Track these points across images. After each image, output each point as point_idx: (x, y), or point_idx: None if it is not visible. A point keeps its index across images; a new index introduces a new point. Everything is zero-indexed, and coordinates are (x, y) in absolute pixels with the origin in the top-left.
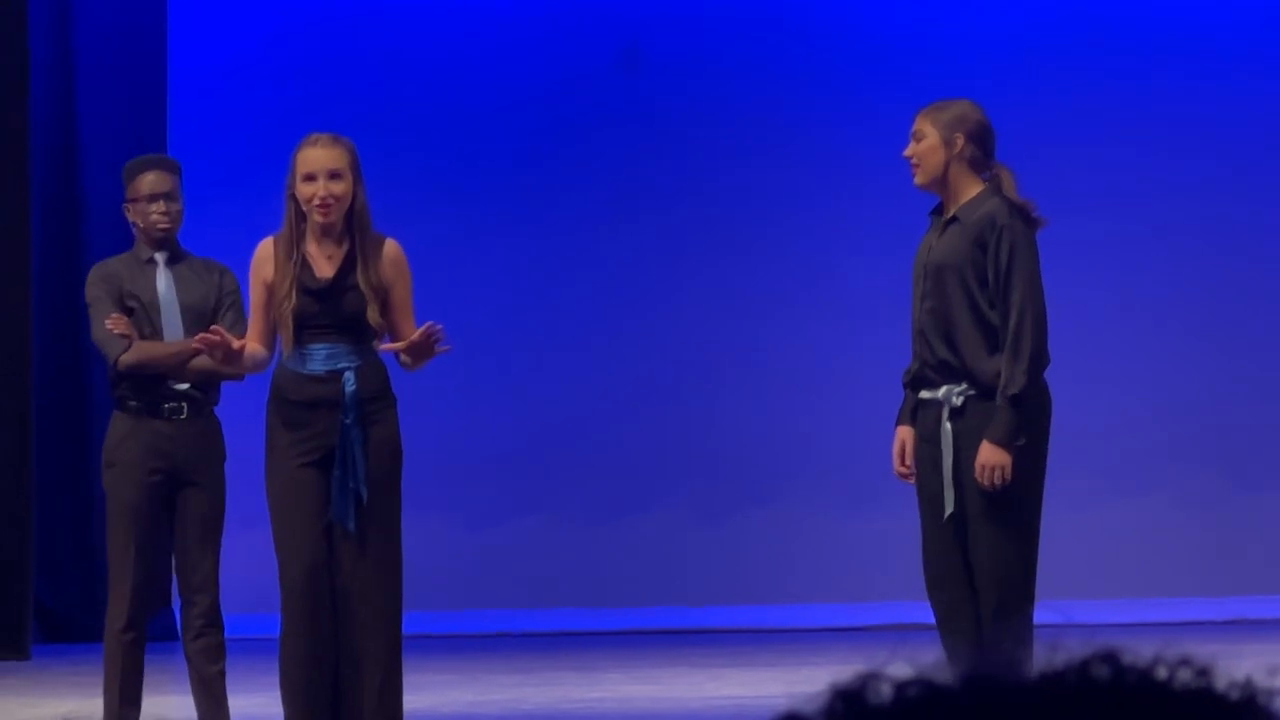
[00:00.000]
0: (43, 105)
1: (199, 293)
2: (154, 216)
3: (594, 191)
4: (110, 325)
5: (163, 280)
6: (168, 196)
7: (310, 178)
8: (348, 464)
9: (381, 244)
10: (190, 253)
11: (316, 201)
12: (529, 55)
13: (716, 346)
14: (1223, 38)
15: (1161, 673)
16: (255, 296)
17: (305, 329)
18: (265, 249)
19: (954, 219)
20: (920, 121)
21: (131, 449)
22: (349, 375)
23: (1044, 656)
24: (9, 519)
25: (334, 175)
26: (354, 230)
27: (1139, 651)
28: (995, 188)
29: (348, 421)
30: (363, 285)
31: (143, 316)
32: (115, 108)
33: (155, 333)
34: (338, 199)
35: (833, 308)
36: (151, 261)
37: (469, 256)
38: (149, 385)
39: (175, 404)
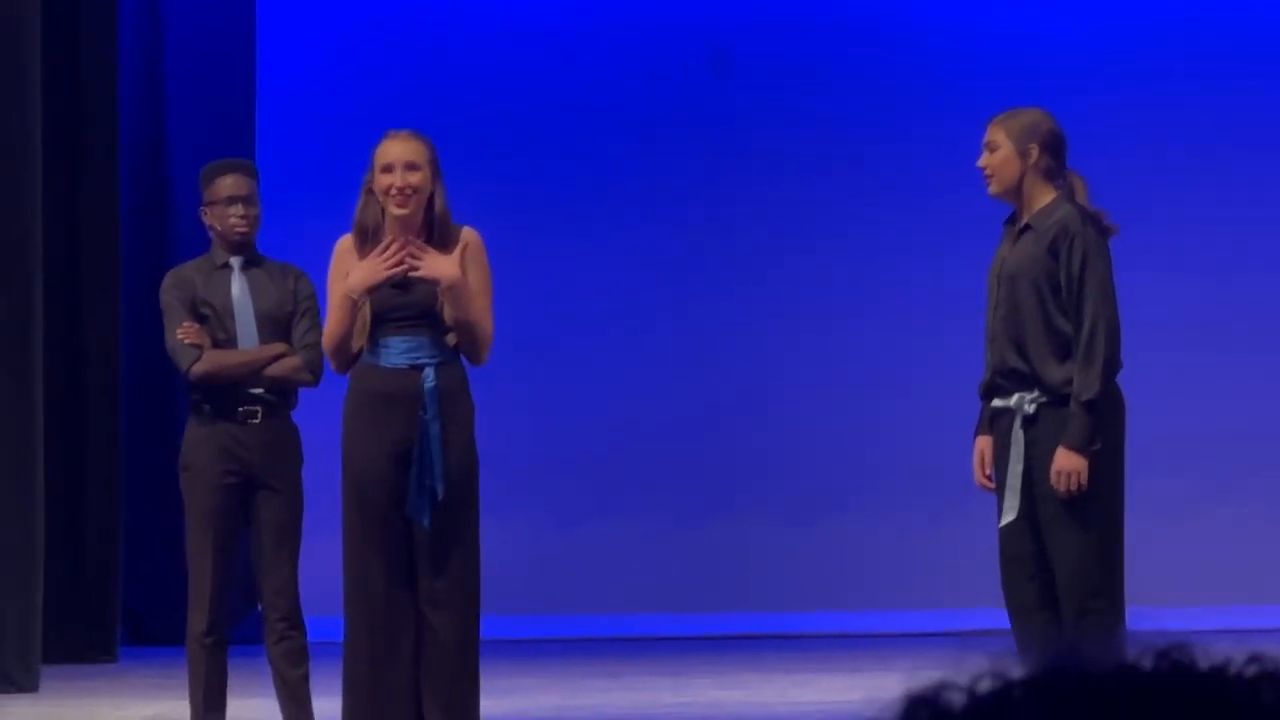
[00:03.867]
0: (131, 109)
1: (274, 298)
2: (232, 220)
3: (676, 196)
4: (181, 335)
5: (237, 286)
6: (245, 200)
7: (388, 169)
8: (425, 461)
9: (459, 233)
10: (266, 257)
11: (394, 191)
12: (613, 60)
13: (799, 352)
14: None
15: (1233, 669)
16: (337, 295)
17: (383, 322)
18: (344, 244)
19: (1027, 227)
20: (993, 131)
21: (206, 453)
22: (429, 371)
23: (1119, 651)
24: (98, 523)
25: (411, 166)
26: (433, 226)
27: (1211, 649)
28: (1068, 195)
29: (426, 418)
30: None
31: (216, 323)
32: (203, 111)
33: (229, 339)
34: (415, 189)
35: (914, 314)
36: (226, 266)
37: (554, 261)
38: (223, 390)
39: (250, 408)
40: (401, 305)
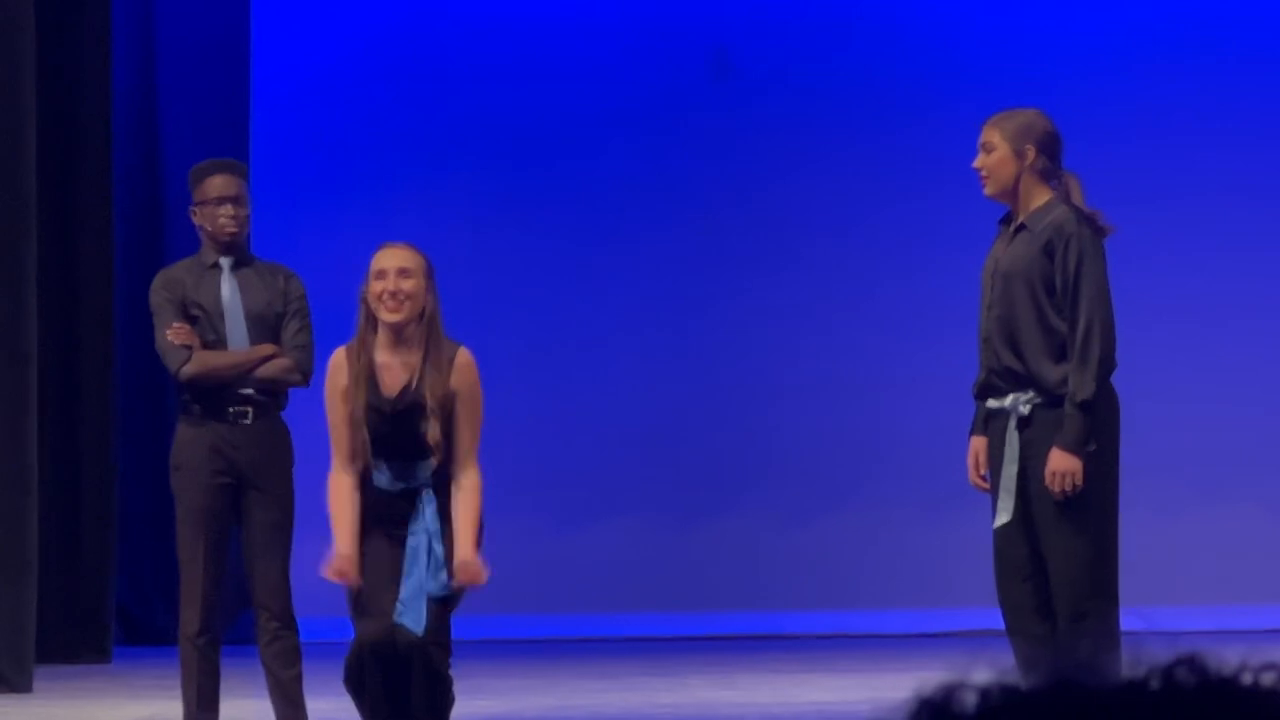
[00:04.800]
0: (125, 108)
1: (264, 299)
2: (222, 220)
3: (675, 196)
4: (171, 335)
5: (227, 286)
6: (235, 200)
7: (381, 275)
8: (421, 573)
9: (454, 354)
10: (256, 257)
11: (386, 296)
12: (611, 59)
13: (795, 352)
14: None
15: (1247, 677)
16: (336, 414)
17: (375, 444)
18: (338, 359)
19: (1022, 227)
20: (988, 132)
21: (196, 453)
22: (427, 494)
23: (1128, 662)
24: (91, 523)
25: (404, 273)
26: (427, 340)
27: (1223, 656)
28: (1063, 196)
29: (417, 541)
30: (429, 401)
31: (206, 324)
32: (197, 111)
33: (219, 340)
34: (409, 295)
35: (912, 313)
36: (216, 266)
37: (553, 260)
38: (213, 390)
39: (240, 408)
40: (388, 434)
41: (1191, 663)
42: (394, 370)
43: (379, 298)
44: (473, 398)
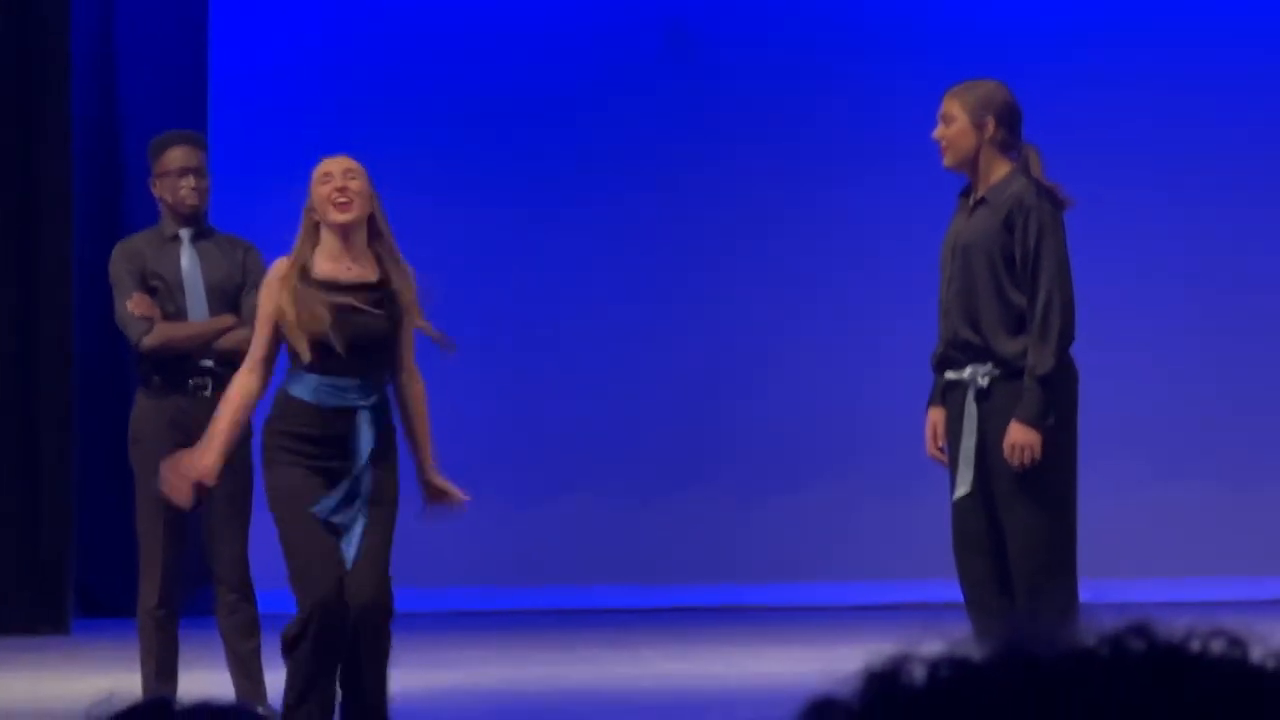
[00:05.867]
0: (83, 81)
1: (223, 270)
2: (183, 192)
3: (635, 174)
4: (132, 307)
5: (186, 258)
6: (196, 172)
7: (327, 178)
8: (353, 505)
9: (405, 267)
10: (215, 229)
11: (335, 194)
12: (570, 40)
13: (757, 328)
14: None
15: (1195, 645)
16: (264, 311)
17: (317, 355)
18: (280, 265)
19: (982, 200)
20: (948, 103)
21: (156, 426)
22: (364, 415)
23: (1080, 630)
24: (50, 495)
25: (350, 173)
26: (376, 248)
27: (1173, 625)
28: (1023, 168)
29: (356, 471)
30: (401, 303)
31: (166, 295)
32: (155, 84)
33: (179, 311)
34: (356, 194)
35: (871, 289)
36: (176, 238)
37: (512, 239)
38: (172, 362)
39: (200, 380)
40: (336, 339)
41: (1140, 630)
42: (346, 275)
43: (327, 199)
44: (419, 307)
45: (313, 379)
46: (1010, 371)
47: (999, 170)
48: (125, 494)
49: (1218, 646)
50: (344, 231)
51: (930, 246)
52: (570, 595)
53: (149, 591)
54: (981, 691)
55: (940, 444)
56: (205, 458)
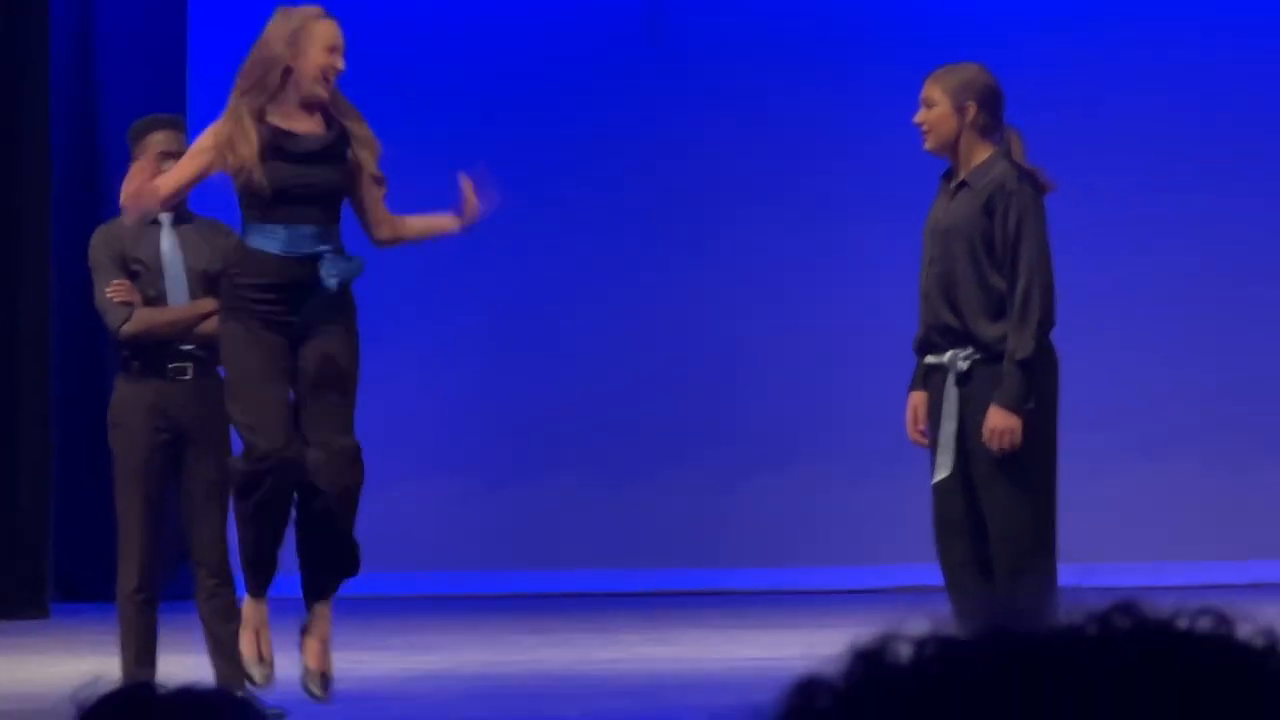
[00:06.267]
0: (63, 65)
1: (204, 255)
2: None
3: (615, 160)
4: (111, 293)
5: (167, 242)
6: (177, 156)
7: (334, 50)
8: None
9: (366, 128)
10: (196, 214)
11: (331, 71)
12: (549, 29)
13: (739, 311)
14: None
15: (1182, 622)
16: (198, 147)
17: (278, 203)
18: (234, 114)
19: (963, 184)
20: (929, 87)
21: (135, 410)
22: (325, 259)
23: (1063, 611)
24: (29, 480)
25: (341, 53)
26: (333, 105)
27: (1158, 604)
28: (1005, 152)
29: (321, 319)
30: (351, 157)
31: (146, 279)
32: (135, 68)
33: (160, 296)
34: (338, 73)
35: (852, 273)
36: (156, 223)
37: (491, 225)
38: (152, 347)
39: (180, 364)
40: (300, 185)
41: (1127, 609)
42: (304, 129)
43: (321, 70)
44: (375, 160)
45: (270, 228)
46: (990, 356)
47: (980, 154)
48: (104, 479)
49: (1204, 624)
50: (313, 100)
51: (911, 231)
52: (550, 579)
53: (128, 575)
54: (968, 669)
55: (921, 428)
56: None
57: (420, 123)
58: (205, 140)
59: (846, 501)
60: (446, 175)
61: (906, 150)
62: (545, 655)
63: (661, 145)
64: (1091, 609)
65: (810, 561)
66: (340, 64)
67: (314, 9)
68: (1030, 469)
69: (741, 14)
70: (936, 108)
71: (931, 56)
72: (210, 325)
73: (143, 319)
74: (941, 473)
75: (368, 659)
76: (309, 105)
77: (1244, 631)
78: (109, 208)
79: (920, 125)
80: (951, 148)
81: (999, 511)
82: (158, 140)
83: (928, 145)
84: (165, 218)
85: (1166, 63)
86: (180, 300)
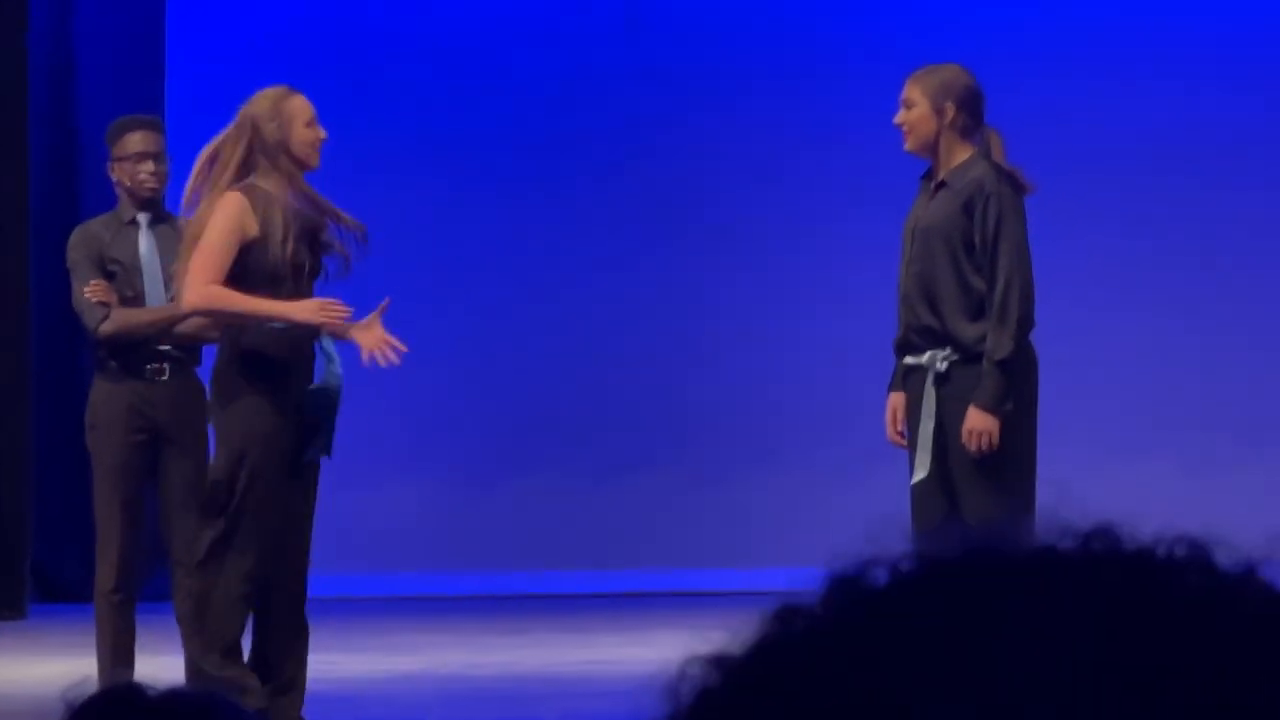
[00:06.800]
0: (40, 65)
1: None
2: (142, 176)
3: (594, 154)
4: (89, 293)
5: (144, 242)
6: (155, 157)
7: (314, 123)
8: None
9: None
10: (174, 214)
11: (318, 143)
12: (530, 23)
13: (713, 312)
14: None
15: (1160, 548)
16: (229, 242)
17: (297, 282)
18: (249, 199)
19: (943, 184)
20: (909, 88)
21: (113, 410)
22: (328, 342)
23: (1040, 533)
24: (7, 480)
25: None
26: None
27: (1137, 530)
28: (984, 153)
29: (334, 384)
30: (335, 237)
31: (124, 279)
32: (112, 67)
33: (137, 296)
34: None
35: (831, 274)
36: (134, 223)
37: (468, 219)
38: (130, 348)
39: (157, 365)
40: (313, 267)
41: (1105, 533)
42: (308, 211)
43: (313, 144)
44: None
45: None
46: (969, 356)
47: (960, 155)
48: (82, 479)
49: (1181, 549)
50: (300, 176)
51: (891, 231)
52: (526, 580)
53: (106, 576)
54: (948, 586)
55: (900, 428)
56: (300, 306)
57: (397, 118)
58: (229, 238)
59: (823, 502)
60: (430, 172)
61: (888, 150)
62: (521, 656)
63: (639, 143)
64: (1069, 531)
65: (785, 562)
66: (323, 135)
67: (285, 88)
68: (1009, 470)
69: (722, 12)
70: (916, 108)
71: (914, 55)
72: (188, 326)
73: (120, 319)
74: (920, 473)
75: (344, 660)
76: (295, 186)
77: (1220, 557)
78: (86, 208)
79: (900, 126)
80: (931, 148)
81: (977, 512)
82: (136, 140)
83: (908, 146)
84: (143, 218)
85: (1147, 65)
86: (158, 300)
